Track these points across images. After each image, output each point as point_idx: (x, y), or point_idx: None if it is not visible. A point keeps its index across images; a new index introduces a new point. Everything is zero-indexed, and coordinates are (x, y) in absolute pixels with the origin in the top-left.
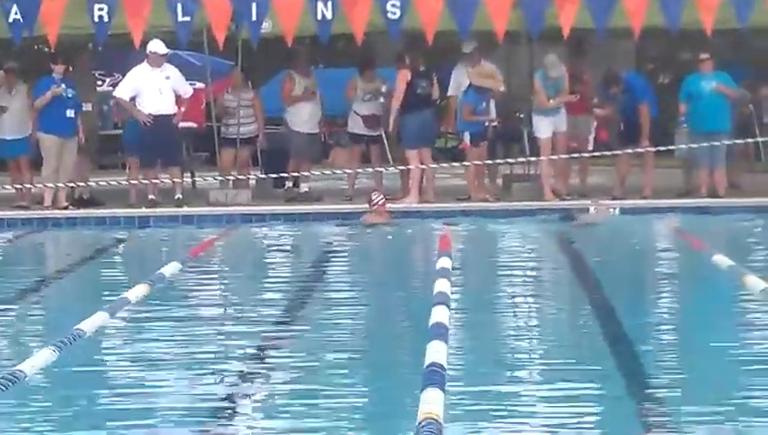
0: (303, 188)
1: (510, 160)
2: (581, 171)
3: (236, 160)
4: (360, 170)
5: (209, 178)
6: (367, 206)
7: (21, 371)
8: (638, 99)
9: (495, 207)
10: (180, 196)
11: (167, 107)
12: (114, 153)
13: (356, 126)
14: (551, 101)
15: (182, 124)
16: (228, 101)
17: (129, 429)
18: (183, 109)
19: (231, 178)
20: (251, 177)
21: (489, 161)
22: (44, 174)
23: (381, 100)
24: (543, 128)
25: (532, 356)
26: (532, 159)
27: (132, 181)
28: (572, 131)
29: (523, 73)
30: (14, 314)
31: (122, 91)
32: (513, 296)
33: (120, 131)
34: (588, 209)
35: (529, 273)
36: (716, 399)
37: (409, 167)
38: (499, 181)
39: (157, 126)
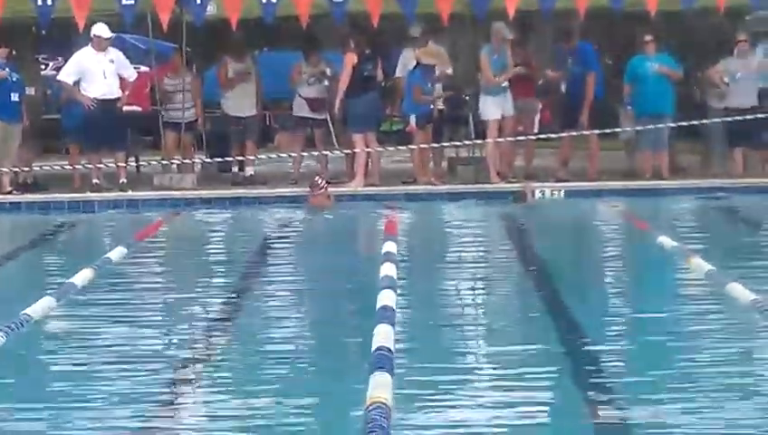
0: (248, 171)
1: (456, 143)
2: (527, 153)
3: (180, 144)
4: (305, 154)
5: (154, 163)
6: (311, 189)
7: None
8: (587, 67)
9: (441, 190)
10: (125, 180)
11: (111, 91)
12: (58, 138)
13: (301, 109)
14: (496, 77)
15: (126, 108)
16: (168, 85)
17: (73, 413)
18: (127, 93)
19: (176, 162)
20: (196, 161)
21: (435, 144)
22: None
23: (326, 83)
24: (491, 110)
25: (479, 339)
26: (478, 141)
27: (76, 166)
28: (518, 114)
29: (469, 56)
30: None
31: (66, 75)
32: (459, 279)
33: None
34: (526, 192)
35: (474, 255)
36: (661, 376)
37: (355, 150)
38: (444, 164)
39: (101, 110)
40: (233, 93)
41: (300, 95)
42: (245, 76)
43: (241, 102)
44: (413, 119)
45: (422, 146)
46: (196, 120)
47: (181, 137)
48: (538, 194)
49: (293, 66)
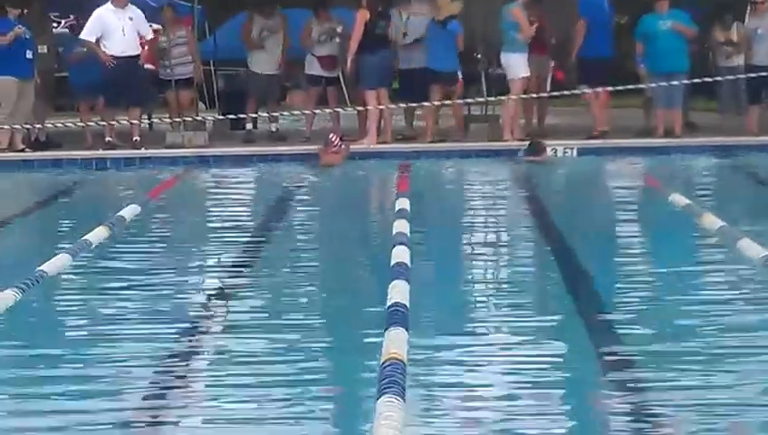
0: (273, 127)
1: (469, 100)
2: (540, 112)
3: (177, 102)
4: (318, 111)
5: (167, 120)
6: (324, 147)
7: None
8: (581, 13)
9: (453, 147)
10: (138, 138)
11: (131, 48)
12: (70, 95)
13: (313, 67)
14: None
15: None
16: (161, 42)
17: (89, 370)
18: (147, 48)
19: (188, 119)
20: (208, 118)
21: (448, 102)
22: (1, 116)
23: (337, 40)
24: (521, 68)
25: (492, 297)
26: (494, 99)
27: (88, 124)
28: (531, 72)
29: (481, 15)
30: None
31: (89, 34)
32: (472, 236)
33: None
34: (544, 145)
35: (487, 213)
36: (674, 336)
37: (367, 108)
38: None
39: (121, 68)
40: (256, 50)
41: (312, 53)
42: (271, 35)
43: (264, 60)
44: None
45: (435, 103)
46: (192, 78)
47: (177, 94)
48: (550, 152)
49: (304, 25)
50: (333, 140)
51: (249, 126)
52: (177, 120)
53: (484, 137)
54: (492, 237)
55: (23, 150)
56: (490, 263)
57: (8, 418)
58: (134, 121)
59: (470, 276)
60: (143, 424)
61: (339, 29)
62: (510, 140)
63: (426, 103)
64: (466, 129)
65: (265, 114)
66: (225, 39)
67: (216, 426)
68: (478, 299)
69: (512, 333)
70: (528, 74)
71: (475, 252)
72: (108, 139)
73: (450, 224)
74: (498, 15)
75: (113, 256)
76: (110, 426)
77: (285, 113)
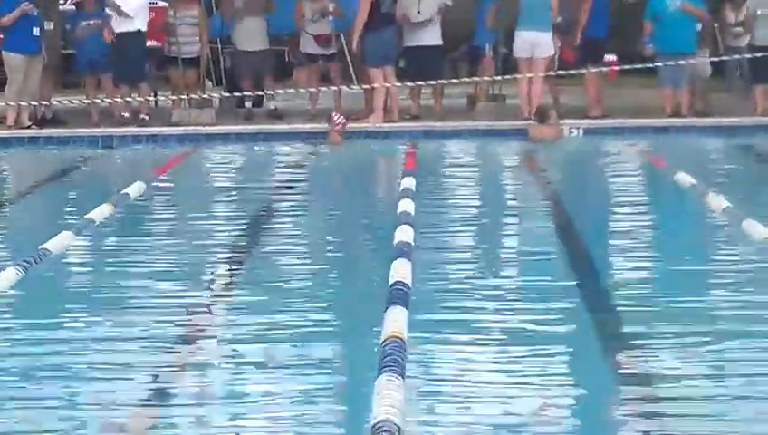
0: (272, 105)
1: (476, 79)
2: (553, 93)
3: (183, 80)
4: (324, 89)
5: (173, 98)
6: (328, 125)
7: None
8: None
9: (461, 126)
10: (145, 116)
11: (137, 23)
12: (76, 73)
13: (308, 45)
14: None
15: (147, 43)
16: (170, 18)
17: (94, 346)
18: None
19: (195, 97)
20: (214, 96)
21: (455, 80)
22: (8, 93)
23: (330, 18)
24: (549, 46)
25: (495, 276)
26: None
27: (94, 101)
28: None
29: None
30: None
31: None
32: (477, 215)
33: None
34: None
35: (492, 192)
36: (682, 316)
37: (373, 86)
38: (463, 100)
39: (127, 43)
40: (239, 26)
41: (306, 32)
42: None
43: (251, 36)
44: None
45: (441, 82)
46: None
47: (184, 72)
48: (558, 124)
49: (296, 6)
50: (335, 118)
51: (248, 104)
52: (183, 97)
53: (492, 115)
54: (497, 216)
55: (29, 127)
56: (495, 241)
57: (10, 401)
58: (140, 99)
59: (474, 255)
60: (150, 404)
61: (330, 7)
62: (523, 118)
63: (432, 82)
64: (473, 107)
65: (269, 92)
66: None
67: (224, 403)
68: (481, 279)
69: (516, 316)
70: (553, 53)
71: (480, 231)
72: (124, 114)
73: (455, 203)
74: None
75: (117, 233)
76: (113, 407)
77: (291, 90)
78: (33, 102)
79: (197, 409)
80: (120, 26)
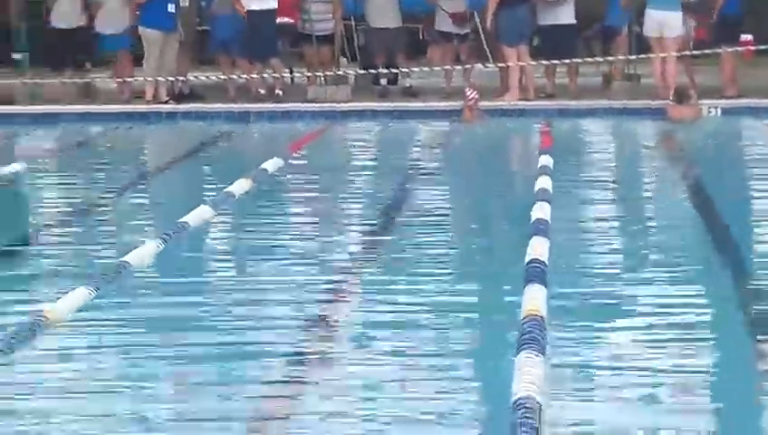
0: (407, 82)
1: (609, 58)
2: (688, 73)
3: (318, 57)
4: (459, 68)
5: (309, 75)
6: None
7: (126, 262)
8: None
9: (596, 105)
10: (280, 92)
11: (268, 1)
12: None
13: (443, 23)
14: None
15: (279, 20)
16: None
17: (234, 324)
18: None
19: (330, 74)
20: (349, 72)
21: (589, 59)
22: (146, 68)
23: None
24: (680, 26)
25: (634, 255)
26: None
27: (231, 77)
28: None
29: None
30: (118, 207)
31: None
32: (614, 194)
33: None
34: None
35: (629, 172)
36: None
37: (508, 64)
38: (598, 79)
39: (258, 20)
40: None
41: (442, 9)
42: None
43: (382, 14)
44: None
45: (576, 60)
46: (332, 34)
47: (318, 50)
48: (699, 105)
49: None
50: (468, 93)
51: (383, 81)
52: (318, 74)
53: (626, 95)
54: (635, 196)
55: (167, 102)
56: (633, 221)
57: (156, 361)
58: (276, 75)
59: (610, 234)
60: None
61: None
62: (660, 98)
63: (566, 60)
64: (608, 86)
65: (404, 70)
66: None
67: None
68: (619, 258)
69: (654, 295)
70: (683, 33)
71: (619, 210)
72: (261, 90)
73: (592, 182)
74: None
75: (256, 207)
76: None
77: (426, 69)
78: (170, 78)
79: (336, 390)
80: (251, 3)
